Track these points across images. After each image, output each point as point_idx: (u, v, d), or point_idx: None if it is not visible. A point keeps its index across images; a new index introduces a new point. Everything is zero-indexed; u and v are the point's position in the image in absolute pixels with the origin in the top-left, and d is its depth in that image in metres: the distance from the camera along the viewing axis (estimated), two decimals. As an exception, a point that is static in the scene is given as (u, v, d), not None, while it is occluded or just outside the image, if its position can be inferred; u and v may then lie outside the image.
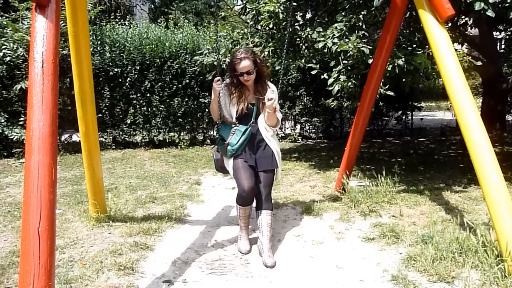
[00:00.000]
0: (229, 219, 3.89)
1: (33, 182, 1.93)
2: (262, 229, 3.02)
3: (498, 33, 8.95)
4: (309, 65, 5.48)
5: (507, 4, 3.92)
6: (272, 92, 2.96)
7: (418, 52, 4.40)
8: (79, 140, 3.62)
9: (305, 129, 9.37)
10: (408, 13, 4.50)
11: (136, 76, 7.81)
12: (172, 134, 8.26)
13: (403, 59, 4.26)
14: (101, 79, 7.61)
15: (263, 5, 5.10)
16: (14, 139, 6.74)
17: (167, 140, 8.21)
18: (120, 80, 7.80)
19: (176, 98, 8.02)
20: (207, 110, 8.26)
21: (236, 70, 2.99)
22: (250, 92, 3.09)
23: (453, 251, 2.80)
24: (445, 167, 5.90)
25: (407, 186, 4.76)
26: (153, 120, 8.03)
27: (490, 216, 2.62)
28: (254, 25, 5.69)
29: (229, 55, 6.29)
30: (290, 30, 5.27)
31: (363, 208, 3.93)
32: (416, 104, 9.86)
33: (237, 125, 3.05)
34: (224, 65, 6.82)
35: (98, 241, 3.24)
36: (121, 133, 8.03)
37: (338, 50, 4.37)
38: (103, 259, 2.87)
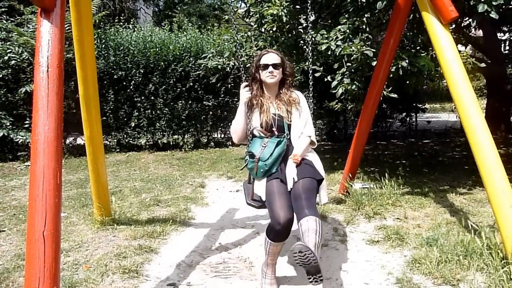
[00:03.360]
0: (234, 222, 3.89)
1: (38, 186, 1.94)
2: (308, 238, 2.13)
3: (502, 34, 8.92)
4: (313, 67, 5.48)
5: (511, 6, 3.91)
6: (298, 103, 2.66)
7: (422, 54, 4.39)
8: (84, 143, 3.64)
9: (309, 131, 9.36)
10: (412, 15, 4.50)
11: (140, 79, 7.85)
12: (176, 136, 8.30)
13: (406, 61, 4.25)
14: (105, 82, 7.65)
15: (267, 8, 5.11)
16: (19, 142, 6.79)
17: (171, 143, 8.24)
18: (124, 83, 7.84)
19: (180, 101, 8.05)
20: (211, 112, 8.28)
21: (260, 63, 2.64)
22: (272, 101, 2.69)
23: (458, 253, 2.79)
24: (449, 169, 5.88)
25: (411, 188, 4.74)
26: (157, 123, 8.06)
27: (495, 218, 2.61)
28: (258, 28, 5.70)
29: (233, 58, 6.31)
30: (294, 33, 5.28)
31: (367, 210, 3.92)
32: (420, 105, 9.83)
33: (269, 137, 2.59)
34: (228, 68, 6.84)
35: (102, 244, 3.25)
36: (125, 136, 8.07)
37: (342, 53, 4.37)
38: (107, 262, 2.88)
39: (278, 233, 2.33)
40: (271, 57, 2.65)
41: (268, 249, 2.48)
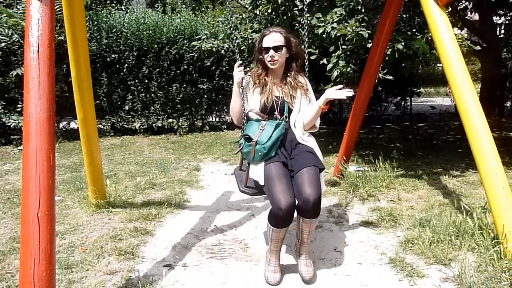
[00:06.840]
0: (229, 204, 3.90)
1: (31, 167, 1.92)
2: (302, 237, 2.43)
3: (498, 18, 8.89)
4: (308, 50, 5.42)
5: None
6: (306, 89, 2.58)
7: (417, 37, 4.36)
8: (78, 127, 3.60)
9: (304, 115, 9.34)
10: (408, -4, 4.46)
11: (133, 62, 7.75)
12: (170, 120, 8.26)
13: (402, 43, 4.22)
14: (98, 65, 7.56)
15: (262, -11, 5.04)
16: (11, 126, 6.73)
17: (165, 127, 8.21)
18: (117, 66, 7.75)
19: (174, 84, 7.98)
20: (205, 96, 8.23)
21: (261, 44, 2.46)
22: (276, 83, 2.55)
23: (450, 234, 2.83)
24: (443, 152, 5.92)
25: (405, 171, 4.78)
26: (152, 107, 8.01)
27: (487, 199, 2.63)
28: (252, 10, 5.62)
29: (227, 40, 6.23)
30: (289, 15, 5.22)
31: (361, 192, 3.96)
32: (415, 89, 9.82)
33: (267, 120, 2.45)
34: (223, 50, 6.76)
35: (98, 227, 3.26)
36: (119, 119, 8.02)
37: (338, 34, 4.33)
38: (103, 244, 2.90)
39: (280, 219, 2.23)
40: (273, 38, 2.44)
41: (271, 236, 2.37)
